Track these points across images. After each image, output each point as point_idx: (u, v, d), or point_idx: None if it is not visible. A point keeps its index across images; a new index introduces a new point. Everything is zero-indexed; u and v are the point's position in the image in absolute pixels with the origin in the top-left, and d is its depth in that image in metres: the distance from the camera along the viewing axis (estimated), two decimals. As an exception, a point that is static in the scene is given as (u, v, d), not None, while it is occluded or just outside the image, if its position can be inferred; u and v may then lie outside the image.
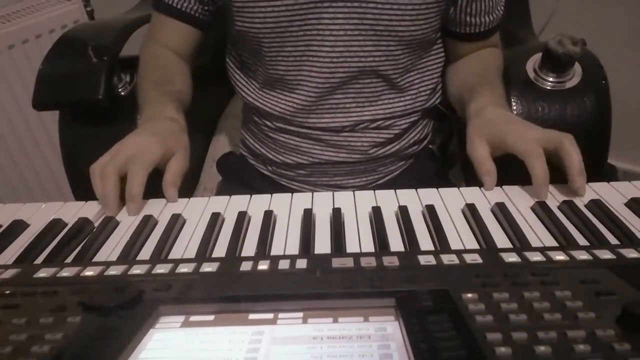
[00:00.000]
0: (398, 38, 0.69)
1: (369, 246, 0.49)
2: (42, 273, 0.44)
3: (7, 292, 0.40)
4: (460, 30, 0.76)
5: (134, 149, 0.59)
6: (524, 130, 0.59)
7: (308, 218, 0.53)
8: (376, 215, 0.53)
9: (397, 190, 0.58)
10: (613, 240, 0.47)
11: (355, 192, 0.58)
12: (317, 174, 0.81)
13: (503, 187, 0.58)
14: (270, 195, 0.59)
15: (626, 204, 0.53)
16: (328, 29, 0.68)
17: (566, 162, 0.54)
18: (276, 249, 0.49)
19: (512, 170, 0.60)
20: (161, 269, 0.43)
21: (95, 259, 0.49)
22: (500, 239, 0.48)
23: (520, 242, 0.47)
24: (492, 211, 0.54)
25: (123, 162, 0.57)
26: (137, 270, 0.43)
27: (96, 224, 0.55)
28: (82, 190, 0.69)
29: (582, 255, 0.42)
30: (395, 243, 0.49)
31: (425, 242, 0.48)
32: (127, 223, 0.55)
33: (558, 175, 0.57)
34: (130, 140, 0.61)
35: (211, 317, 0.37)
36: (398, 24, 0.68)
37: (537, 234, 0.49)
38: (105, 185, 0.56)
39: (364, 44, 0.69)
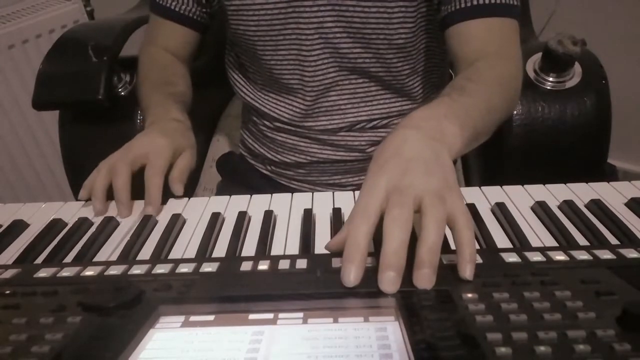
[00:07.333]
0: (387, 41, 0.68)
1: (369, 246, 0.48)
2: (42, 273, 0.44)
3: (7, 292, 0.40)
4: (439, 15, 0.65)
5: (144, 148, 0.60)
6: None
7: (308, 218, 0.53)
8: (376, 215, 0.52)
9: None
10: (613, 240, 0.47)
11: (356, 192, 0.58)
12: (315, 172, 0.81)
13: (503, 187, 0.58)
14: (270, 195, 0.59)
15: (626, 204, 0.53)
16: (317, 32, 0.68)
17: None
18: (276, 249, 0.49)
19: (512, 170, 0.60)
20: (161, 269, 0.43)
21: (95, 259, 0.49)
22: (500, 239, 0.48)
23: (520, 242, 0.47)
24: (492, 211, 0.54)
25: (133, 158, 0.59)
26: (137, 270, 0.43)
27: (96, 224, 0.55)
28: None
29: (582, 255, 0.42)
30: (395, 243, 0.48)
31: (425, 242, 0.48)
32: (127, 223, 0.55)
33: (557, 175, 0.57)
34: (140, 139, 0.62)
35: (211, 317, 0.37)
36: (385, 27, 0.67)
37: (537, 234, 0.49)
38: (116, 181, 0.57)
39: (353, 45, 0.69)
